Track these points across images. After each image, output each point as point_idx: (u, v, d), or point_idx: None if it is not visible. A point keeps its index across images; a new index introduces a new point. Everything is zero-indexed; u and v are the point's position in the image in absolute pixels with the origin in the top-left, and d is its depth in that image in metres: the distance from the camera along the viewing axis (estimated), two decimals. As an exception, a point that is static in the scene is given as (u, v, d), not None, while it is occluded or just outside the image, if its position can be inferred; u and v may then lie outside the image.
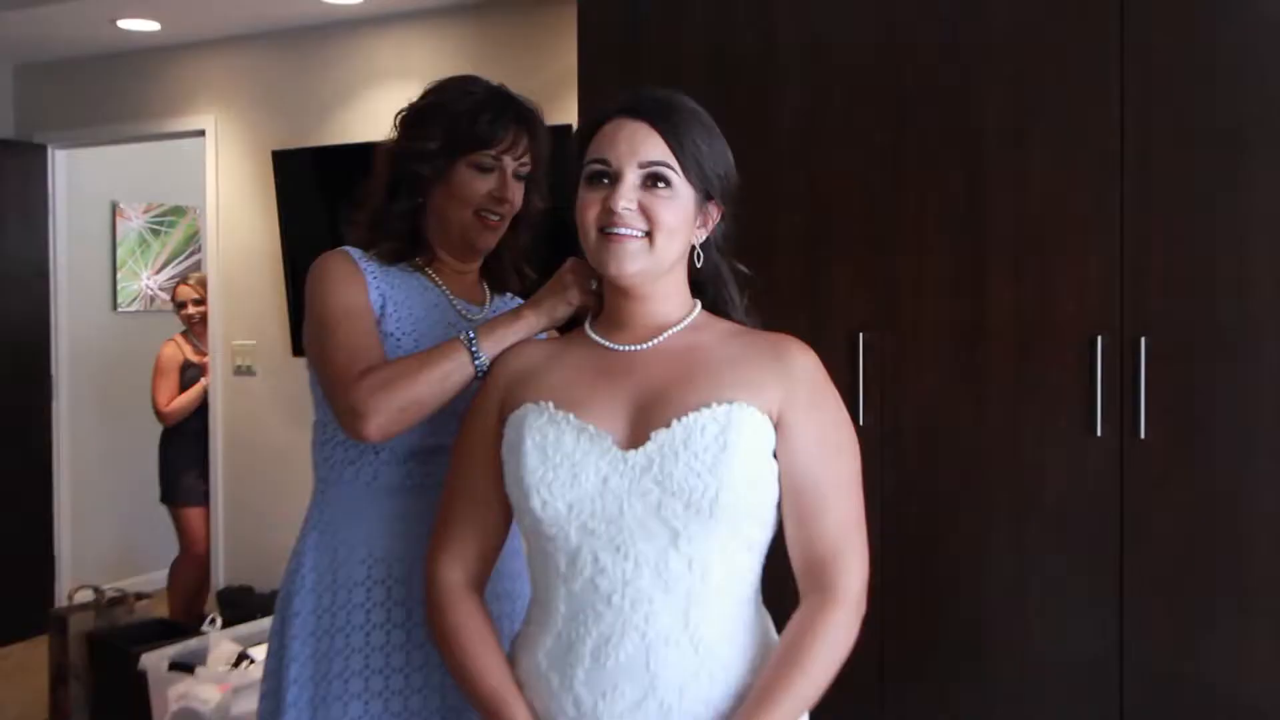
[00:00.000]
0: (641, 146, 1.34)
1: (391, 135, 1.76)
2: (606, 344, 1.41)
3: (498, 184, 1.69)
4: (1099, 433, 2.53)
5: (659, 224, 1.34)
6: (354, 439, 1.54)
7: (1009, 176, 2.63)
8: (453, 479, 1.48)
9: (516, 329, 1.53)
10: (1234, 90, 2.42)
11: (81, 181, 5.56)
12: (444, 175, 1.69)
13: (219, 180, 4.87)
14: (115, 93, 5.11)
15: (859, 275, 2.79)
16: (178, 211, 6.18)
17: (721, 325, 1.43)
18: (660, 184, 1.34)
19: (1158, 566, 2.50)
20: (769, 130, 2.88)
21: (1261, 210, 2.40)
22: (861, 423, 2.74)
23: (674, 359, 1.37)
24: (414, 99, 1.77)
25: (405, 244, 1.72)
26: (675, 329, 1.40)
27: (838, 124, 2.82)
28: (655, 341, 1.39)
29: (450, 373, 1.51)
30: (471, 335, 1.52)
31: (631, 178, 1.34)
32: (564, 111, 4.00)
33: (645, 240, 1.34)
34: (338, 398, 1.54)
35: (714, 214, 1.41)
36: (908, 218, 2.74)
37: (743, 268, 1.48)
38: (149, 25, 4.60)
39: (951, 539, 2.71)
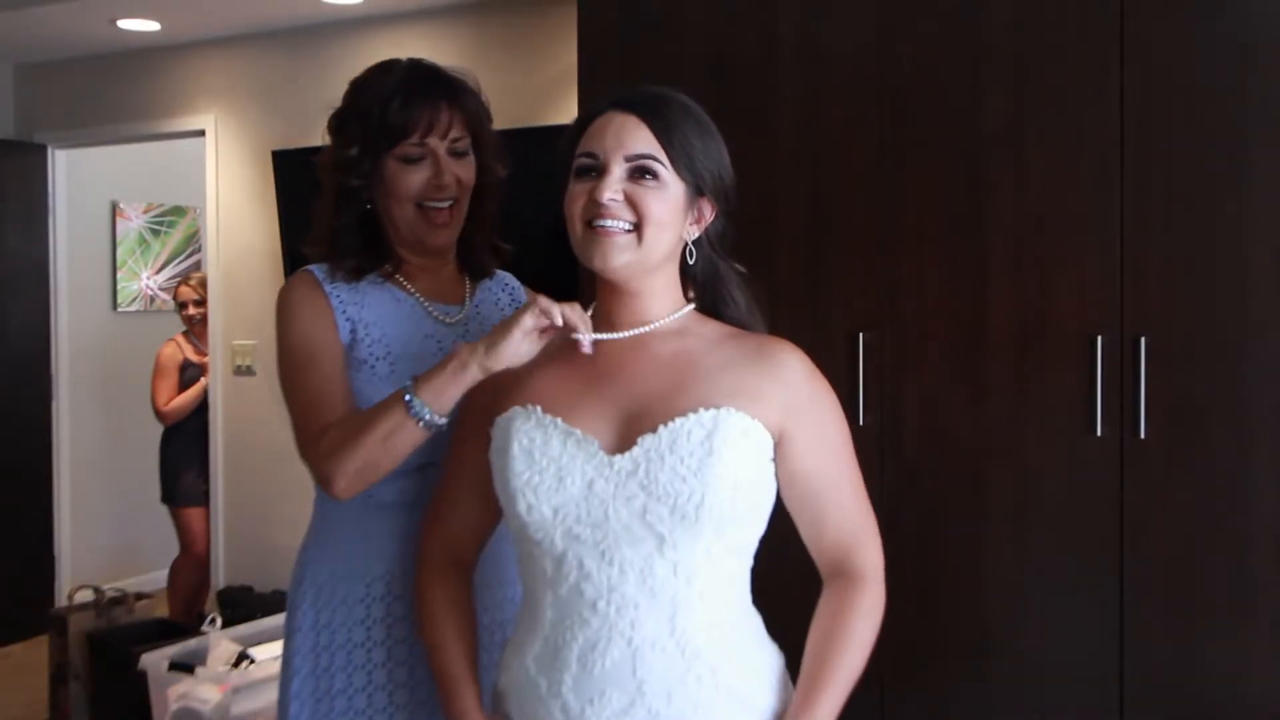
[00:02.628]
0: (629, 139, 1.32)
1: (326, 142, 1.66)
2: (602, 336, 1.39)
3: (432, 171, 1.58)
4: (1099, 433, 2.53)
5: (646, 216, 1.31)
6: None
7: (1009, 176, 2.63)
8: (447, 464, 1.49)
9: (460, 379, 1.40)
10: (1234, 90, 2.42)
11: (81, 181, 5.56)
12: (377, 177, 1.59)
13: (219, 180, 4.87)
14: (115, 93, 5.10)
15: (859, 275, 2.79)
16: (178, 211, 6.18)
17: (711, 327, 1.41)
18: (648, 176, 1.32)
19: (1158, 566, 2.50)
20: (769, 130, 2.88)
21: (1261, 210, 2.40)
22: (861, 423, 2.74)
23: (664, 364, 1.36)
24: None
25: (366, 257, 1.63)
26: (660, 322, 1.38)
27: (838, 124, 2.82)
28: (638, 331, 1.37)
29: (392, 431, 1.42)
30: (409, 393, 1.42)
31: (618, 170, 1.32)
32: (564, 112, 4.00)
33: (633, 234, 1.32)
34: (303, 456, 1.53)
35: (707, 212, 1.39)
36: (908, 217, 2.74)
37: (739, 267, 1.46)
38: (149, 25, 4.60)
39: (951, 538, 2.71)
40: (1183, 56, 2.46)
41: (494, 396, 1.42)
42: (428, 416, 1.42)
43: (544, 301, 1.37)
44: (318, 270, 1.63)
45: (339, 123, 1.62)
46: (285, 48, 4.67)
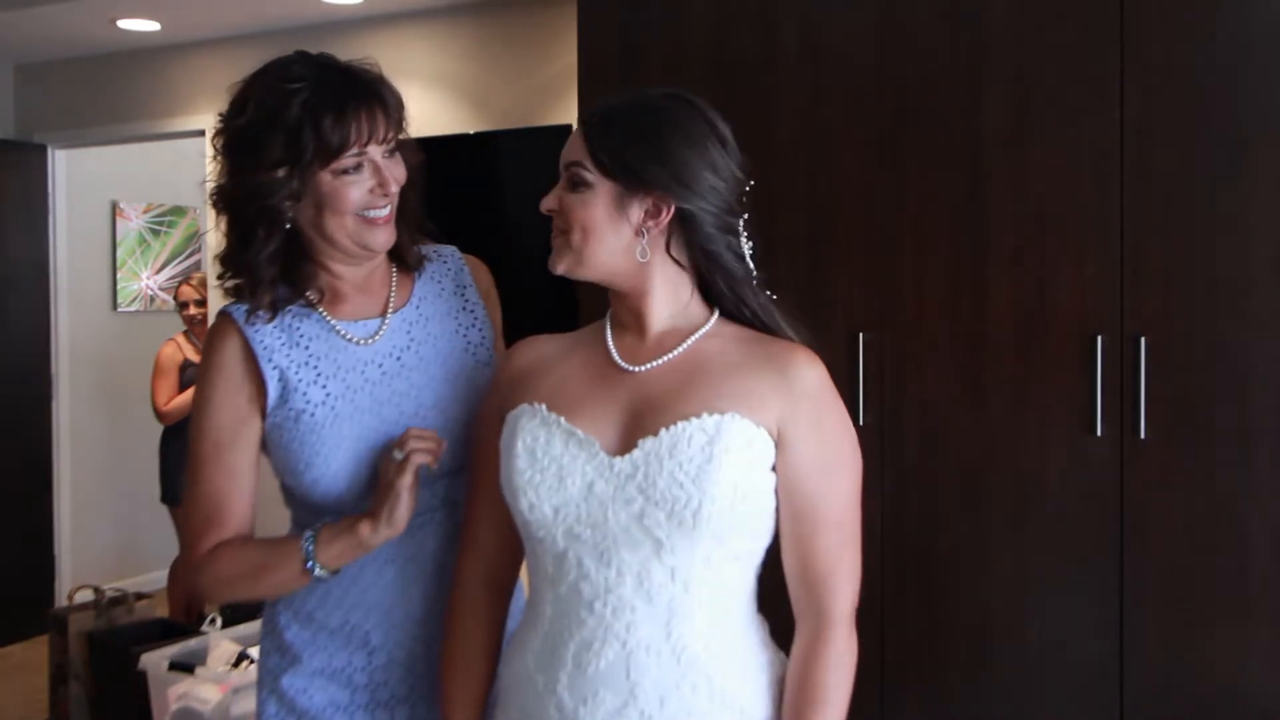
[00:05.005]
0: (567, 149, 1.35)
1: (215, 162, 1.51)
2: (615, 358, 1.38)
3: (374, 180, 1.48)
4: (1099, 433, 2.53)
5: (571, 223, 1.33)
6: None
7: (1009, 176, 2.63)
8: (471, 478, 1.48)
9: (357, 545, 1.43)
10: (1234, 90, 2.42)
11: (81, 181, 5.57)
12: (306, 194, 1.46)
13: (219, 180, 4.86)
14: (115, 93, 5.11)
15: (859, 275, 2.79)
16: (178, 211, 6.18)
17: (730, 330, 1.39)
18: (579, 185, 1.33)
19: (1158, 566, 2.50)
20: (769, 130, 2.88)
21: (1261, 210, 2.40)
22: (861, 423, 2.74)
23: (673, 364, 1.35)
24: (225, 113, 1.51)
25: (285, 288, 1.52)
26: (681, 348, 1.36)
27: (838, 124, 2.82)
28: (658, 362, 1.36)
29: (285, 583, 1.47)
30: (310, 547, 1.43)
31: (561, 181, 1.36)
32: (564, 111, 4.00)
33: (566, 239, 1.34)
34: (183, 567, 1.52)
35: (664, 207, 1.33)
36: (908, 218, 2.74)
37: (740, 267, 1.38)
38: (149, 25, 4.60)
39: (951, 539, 2.71)
40: (1183, 57, 2.46)
41: (507, 395, 1.42)
42: (325, 576, 1.45)
43: (412, 456, 1.41)
44: (238, 314, 1.52)
45: (246, 141, 1.46)
46: (285, 48, 4.61)
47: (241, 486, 1.50)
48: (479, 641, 1.45)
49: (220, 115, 1.52)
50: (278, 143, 1.43)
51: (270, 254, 1.48)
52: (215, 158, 1.52)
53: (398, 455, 1.42)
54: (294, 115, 1.43)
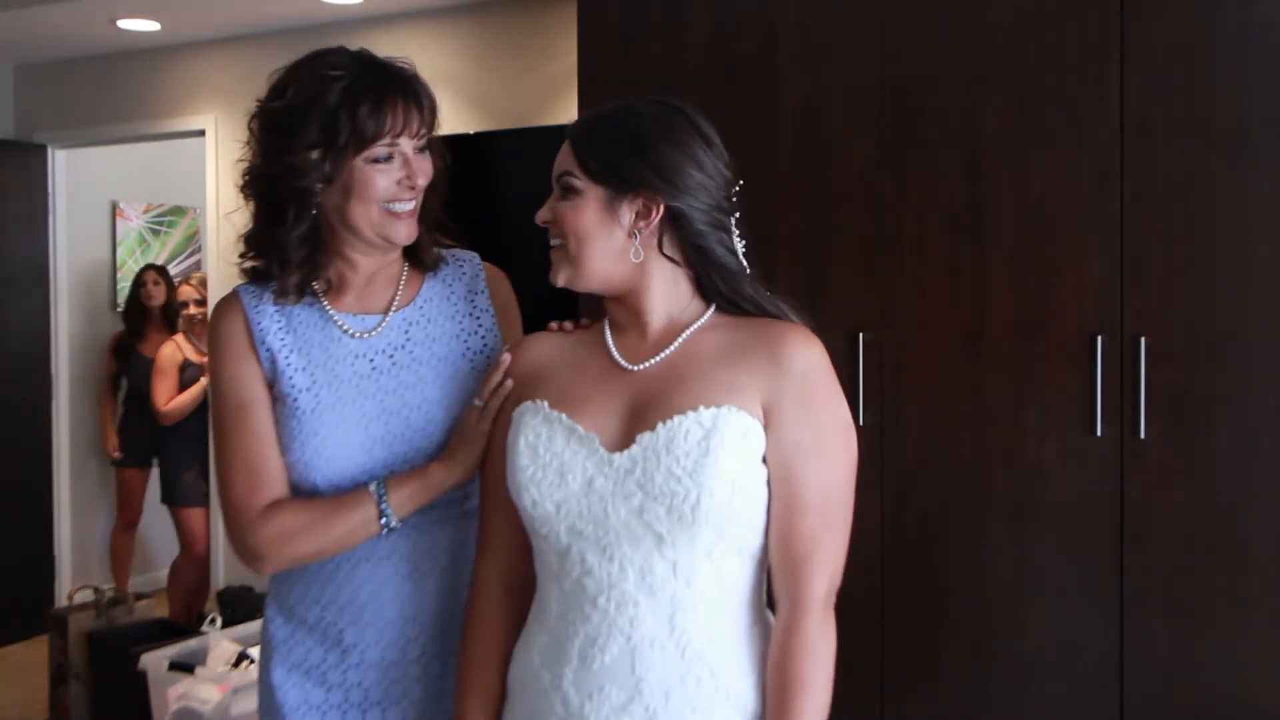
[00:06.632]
0: (558, 162, 1.37)
1: (249, 145, 1.54)
2: (616, 357, 1.39)
3: (402, 172, 1.50)
4: (1099, 433, 2.53)
5: (565, 230, 1.35)
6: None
7: (1009, 176, 2.63)
8: (484, 480, 1.48)
9: (428, 487, 1.47)
10: (1234, 90, 2.42)
11: (81, 181, 5.57)
12: (337, 178, 1.49)
13: (219, 180, 4.87)
14: (115, 93, 5.11)
15: (859, 275, 2.79)
16: (178, 211, 6.18)
17: (727, 321, 1.38)
18: (570, 194, 1.35)
19: (1157, 566, 2.50)
20: (769, 130, 2.88)
21: (1261, 210, 2.40)
22: (861, 422, 2.74)
23: (670, 361, 1.36)
24: (264, 97, 1.53)
25: (309, 270, 1.54)
26: (676, 344, 1.36)
27: (838, 124, 2.82)
28: (656, 359, 1.36)
29: (356, 529, 1.46)
30: (383, 490, 1.46)
31: (554, 193, 1.37)
32: (564, 111, 4.01)
33: (563, 249, 1.36)
34: (234, 530, 1.49)
35: (654, 207, 1.33)
36: (908, 218, 2.74)
37: (731, 261, 1.37)
38: (149, 25, 4.60)
39: (951, 539, 2.71)
40: (1183, 56, 2.47)
41: (516, 391, 1.43)
42: (394, 523, 1.46)
43: (490, 404, 1.45)
44: (245, 293, 1.56)
45: (285, 122, 1.48)
46: (285, 48, 4.62)
47: (272, 448, 1.52)
48: (497, 643, 1.44)
49: (259, 100, 1.54)
50: (314, 126, 1.46)
51: (300, 235, 1.51)
52: (250, 140, 1.54)
53: (478, 403, 1.47)
54: (333, 101, 1.46)
